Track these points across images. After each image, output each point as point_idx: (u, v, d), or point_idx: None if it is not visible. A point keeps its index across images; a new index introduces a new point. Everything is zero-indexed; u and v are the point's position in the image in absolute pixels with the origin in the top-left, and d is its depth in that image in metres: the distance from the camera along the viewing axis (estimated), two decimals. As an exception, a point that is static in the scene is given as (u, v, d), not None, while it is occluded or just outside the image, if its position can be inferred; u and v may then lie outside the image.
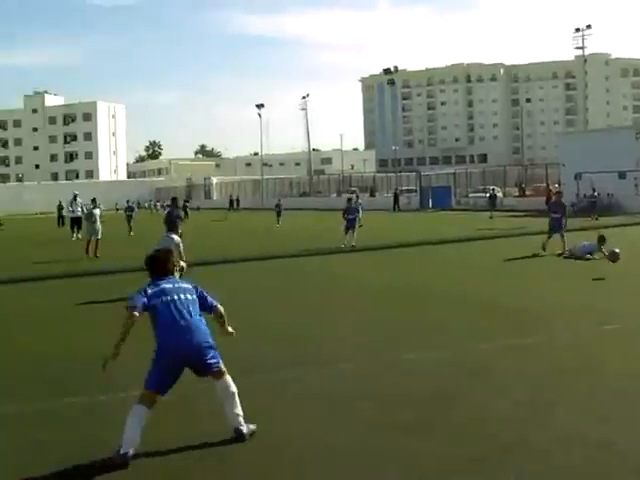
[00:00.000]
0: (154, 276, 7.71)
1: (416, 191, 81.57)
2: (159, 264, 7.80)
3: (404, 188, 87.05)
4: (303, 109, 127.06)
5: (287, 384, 9.47)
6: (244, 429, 7.36)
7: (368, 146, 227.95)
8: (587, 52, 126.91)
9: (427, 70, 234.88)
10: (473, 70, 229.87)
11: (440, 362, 10.13)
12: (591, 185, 53.33)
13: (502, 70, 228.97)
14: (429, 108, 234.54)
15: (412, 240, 31.15)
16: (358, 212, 33.26)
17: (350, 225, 31.12)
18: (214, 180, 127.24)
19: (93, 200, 33.56)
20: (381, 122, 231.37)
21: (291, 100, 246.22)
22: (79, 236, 39.82)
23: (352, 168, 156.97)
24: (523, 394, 8.71)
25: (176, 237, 16.47)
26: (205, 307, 7.71)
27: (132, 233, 44.83)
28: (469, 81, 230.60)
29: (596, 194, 50.89)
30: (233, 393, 7.41)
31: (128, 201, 53.44)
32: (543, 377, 9.47)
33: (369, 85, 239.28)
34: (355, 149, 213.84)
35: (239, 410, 7.42)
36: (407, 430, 7.51)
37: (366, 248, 28.77)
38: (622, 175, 51.88)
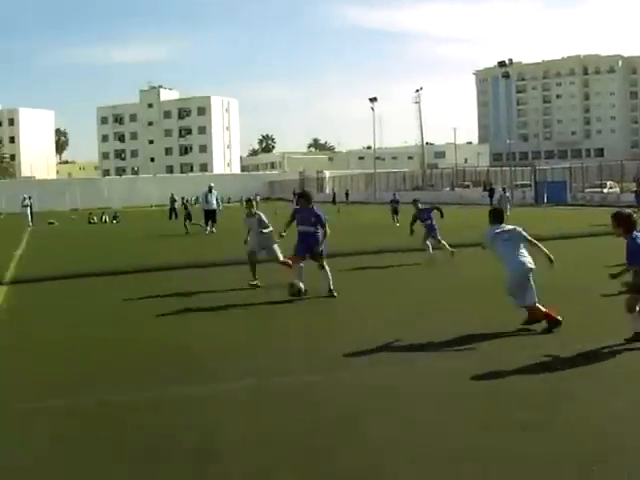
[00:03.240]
0: None
1: (530, 186, 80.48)
2: None
3: (518, 183, 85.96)
4: (416, 102, 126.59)
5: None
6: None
7: (482, 140, 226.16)
8: None
9: (543, 62, 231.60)
10: (590, 62, 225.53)
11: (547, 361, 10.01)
12: None
13: (620, 62, 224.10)
14: (544, 101, 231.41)
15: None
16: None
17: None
18: (327, 174, 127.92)
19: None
20: (495, 115, 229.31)
21: (404, 94, 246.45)
22: (213, 230, 39.45)
23: (465, 162, 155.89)
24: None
25: None
26: None
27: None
28: (586, 73, 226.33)
29: None
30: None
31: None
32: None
33: (483, 78, 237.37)
34: (469, 143, 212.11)
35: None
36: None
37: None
38: None
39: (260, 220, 18.88)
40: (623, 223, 10.84)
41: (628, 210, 11.38)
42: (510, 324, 12.05)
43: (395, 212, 42.79)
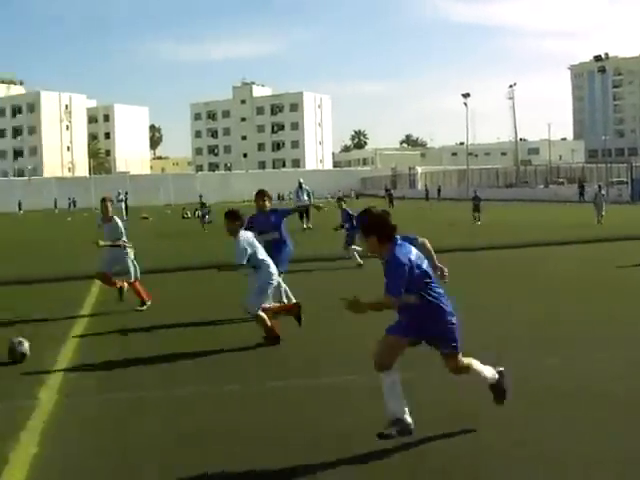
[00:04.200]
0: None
1: (627, 183, 78.91)
2: None
3: (614, 180, 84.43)
4: (510, 98, 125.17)
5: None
6: None
7: (577, 136, 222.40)
8: None
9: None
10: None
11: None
12: None
13: None
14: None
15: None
16: None
17: None
18: (419, 170, 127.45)
19: None
20: (591, 111, 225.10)
21: (498, 89, 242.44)
22: (310, 225, 38.49)
23: (560, 158, 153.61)
24: None
25: None
26: None
27: None
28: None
29: None
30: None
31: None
32: None
33: (579, 73, 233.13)
34: (563, 139, 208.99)
35: None
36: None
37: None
38: None
39: (116, 227, 15.15)
40: (376, 229, 6.68)
41: (379, 208, 6.93)
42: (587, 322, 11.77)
43: (476, 209, 42.02)
